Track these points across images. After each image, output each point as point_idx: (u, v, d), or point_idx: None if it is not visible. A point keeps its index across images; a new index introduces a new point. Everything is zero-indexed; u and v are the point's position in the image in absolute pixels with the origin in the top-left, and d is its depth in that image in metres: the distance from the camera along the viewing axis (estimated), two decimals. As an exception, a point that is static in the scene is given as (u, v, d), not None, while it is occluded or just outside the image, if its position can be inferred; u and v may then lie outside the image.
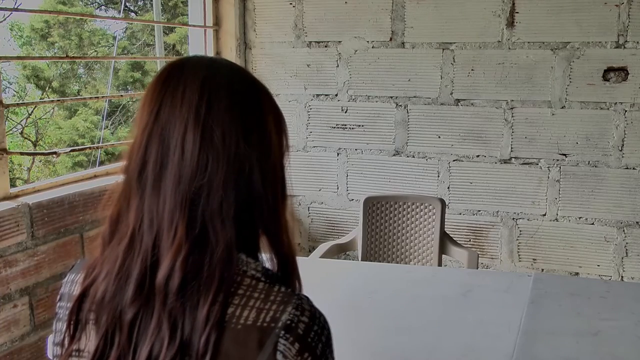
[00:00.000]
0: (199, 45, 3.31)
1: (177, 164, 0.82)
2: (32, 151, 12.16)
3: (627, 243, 2.91)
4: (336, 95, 3.27)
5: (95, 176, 2.43)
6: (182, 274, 0.78)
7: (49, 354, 0.95)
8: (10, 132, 11.48)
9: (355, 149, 3.27)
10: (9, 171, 2.19)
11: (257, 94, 0.89)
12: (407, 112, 3.16)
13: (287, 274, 0.86)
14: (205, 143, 0.82)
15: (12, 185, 2.13)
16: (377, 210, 3.03)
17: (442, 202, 2.96)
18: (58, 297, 0.93)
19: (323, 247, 2.95)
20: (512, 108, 3.00)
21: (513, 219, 3.07)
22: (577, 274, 3.01)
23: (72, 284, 0.90)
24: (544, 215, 3.02)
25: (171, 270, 0.79)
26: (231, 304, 0.79)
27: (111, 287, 0.82)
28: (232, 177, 0.82)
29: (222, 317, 0.78)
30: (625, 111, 2.84)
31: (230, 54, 3.30)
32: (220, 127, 0.83)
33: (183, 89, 0.84)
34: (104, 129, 12.00)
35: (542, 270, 3.05)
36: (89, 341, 0.84)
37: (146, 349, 0.78)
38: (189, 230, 0.80)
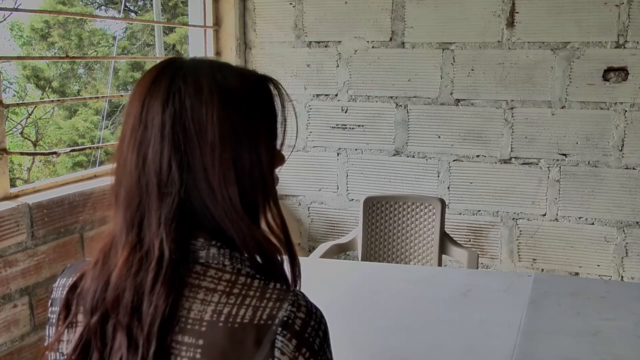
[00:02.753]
0: (199, 45, 3.31)
1: (127, 182, 0.83)
2: (32, 151, 12.16)
3: (627, 243, 2.91)
4: (336, 95, 3.26)
5: (95, 176, 2.43)
6: (132, 292, 0.79)
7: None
8: (10, 132, 11.48)
9: (355, 149, 3.27)
10: (9, 171, 2.19)
11: (207, 109, 0.81)
12: (407, 112, 3.16)
13: (272, 273, 0.85)
14: (139, 163, 0.82)
15: (12, 185, 2.13)
16: (377, 210, 3.03)
17: (442, 202, 2.96)
18: (49, 302, 0.93)
19: (323, 247, 2.95)
20: (512, 108, 2.99)
21: (513, 219, 3.06)
22: (577, 274, 3.01)
23: (63, 289, 0.90)
24: (544, 215, 3.02)
25: (122, 289, 0.79)
26: (227, 303, 0.79)
27: (91, 287, 0.83)
28: (164, 200, 0.80)
29: (167, 328, 0.78)
30: (625, 111, 2.84)
31: (230, 54, 3.30)
32: (150, 147, 0.81)
33: (131, 102, 0.85)
34: (104, 129, 12.01)
35: (542, 270, 3.05)
36: (75, 334, 0.85)
37: (116, 355, 0.79)
38: (135, 249, 0.80)
